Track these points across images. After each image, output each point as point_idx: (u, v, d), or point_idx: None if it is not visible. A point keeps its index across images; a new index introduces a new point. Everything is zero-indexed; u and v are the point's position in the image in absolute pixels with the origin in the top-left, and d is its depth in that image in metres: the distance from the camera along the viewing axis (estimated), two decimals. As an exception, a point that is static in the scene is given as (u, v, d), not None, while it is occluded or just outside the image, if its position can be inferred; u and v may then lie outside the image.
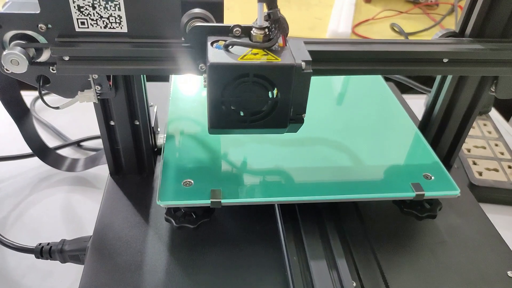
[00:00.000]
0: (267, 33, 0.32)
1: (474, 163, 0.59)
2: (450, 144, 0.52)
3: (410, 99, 0.68)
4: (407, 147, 0.48)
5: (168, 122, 0.48)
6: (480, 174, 0.58)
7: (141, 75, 0.40)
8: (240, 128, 0.34)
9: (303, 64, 0.31)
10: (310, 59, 0.32)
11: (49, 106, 0.38)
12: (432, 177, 0.42)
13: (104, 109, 0.42)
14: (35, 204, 0.54)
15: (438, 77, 0.49)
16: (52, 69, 0.35)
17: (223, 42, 0.32)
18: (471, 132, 0.66)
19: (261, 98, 0.32)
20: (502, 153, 0.62)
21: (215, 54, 0.31)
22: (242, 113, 0.33)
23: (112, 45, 0.34)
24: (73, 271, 0.45)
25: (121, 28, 0.34)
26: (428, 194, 0.40)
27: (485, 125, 0.68)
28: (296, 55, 0.32)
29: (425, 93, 0.71)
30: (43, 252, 0.42)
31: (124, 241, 0.41)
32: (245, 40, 0.32)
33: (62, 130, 0.65)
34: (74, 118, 0.67)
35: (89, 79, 0.37)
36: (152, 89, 0.52)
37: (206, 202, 0.38)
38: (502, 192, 0.56)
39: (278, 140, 0.46)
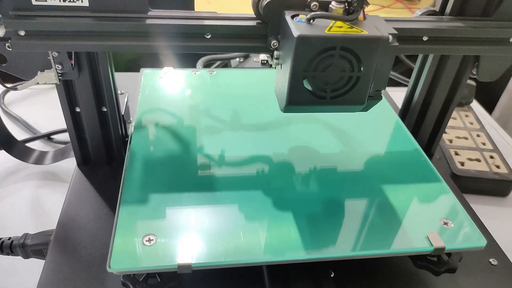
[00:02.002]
0: (347, 7, 0.31)
1: (456, 154, 0.58)
2: (431, 133, 0.51)
3: (392, 91, 0.67)
4: (420, 186, 0.39)
5: (131, 140, 0.42)
6: (462, 164, 0.57)
7: (106, 55, 0.38)
8: (319, 105, 0.32)
9: (390, 37, 0.30)
10: (396, 32, 0.31)
11: (5, 86, 0.35)
12: (452, 224, 0.34)
13: (68, 94, 0.40)
14: (1, 199, 0.51)
15: (418, 62, 0.47)
16: (8, 46, 0.33)
17: (304, 16, 0.30)
18: (453, 123, 0.65)
19: (344, 73, 0.31)
20: (484, 144, 0.61)
21: (300, 27, 0.29)
22: (323, 89, 0.31)
23: (71, 19, 0.32)
24: (39, 268, 0.42)
25: (81, 1, 0.32)
26: (450, 247, 0.33)
27: (466, 116, 0.67)
28: (380, 28, 0.31)
29: (406, 85, 0.70)
30: (4, 247, 0.40)
31: (90, 234, 0.38)
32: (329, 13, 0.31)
33: (33, 124, 0.62)
34: (45, 111, 0.64)
35: (49, 58, 0.35)
36: (125, 79, 0.50)
37: (171, 266, 0.30)
38: (484, 182, 0.55)
39: (265, 178, 0.39)
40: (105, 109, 0.41)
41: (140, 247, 0.30)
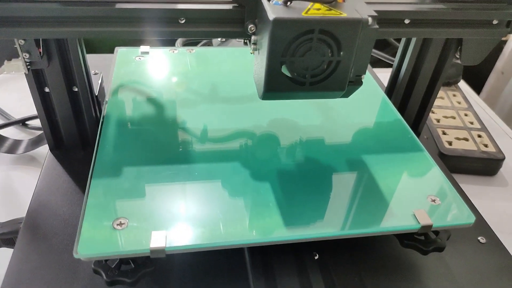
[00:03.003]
0: None
1: (444, 133, 0.57)
2: (417, 111, 0.50)
3: (380, 72, 0.65)
4: (406, 162, 0.37)
5: (104, 118, 0.40)
6: (450, 143, 0.55)
7: (77, 41, 0.36)
8: (298, 91, 0.31)
9: (370, 19, 0.29)
10: (376, 14, 0.29)
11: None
12: (440, 201, 0.33)
13: (36, 74, 0.37)
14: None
15: (401, 44, 0.46)
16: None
17: None
18: (440, 102, 0.64)
19: (323, 57, 0.30)
20: (472, 123, 0.60)
21: (276, 10, 0.28)
22: (302, 75, 0.30)
23: (37, 4, 0.29)
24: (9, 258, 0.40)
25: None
26: (438, 224, 0.31)
27: (454, 95, 0.66)
28: (360, 10, 0.29)
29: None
30: (-28, 236, 0.37)
31: (62, 220, 0.36)
32: None
33: (6, 110, 0.59)
34: (20, 96, 0.62)
35: (16, 46, 0.33)
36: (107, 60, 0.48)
37: (143, 250, 0.28)
38: (472, 161, 0.54)
39: (244, 154, 0.37)
40: (76, 89, 0.39)
41: (110, 231, 0.28)
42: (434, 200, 0.33)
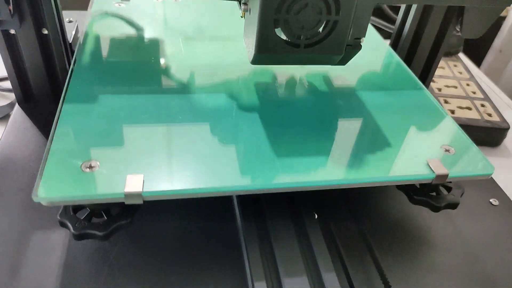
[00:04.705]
0: None
1: (446, 102, 0.54)
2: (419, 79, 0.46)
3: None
4: (416, 112, 0.33)
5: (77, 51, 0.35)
6: (453, 112, 0.52)
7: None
8: (292, 54, 0.29)
9: None
10: None
11: None
12: (454, 151, 0.29)
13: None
14: None
15: (400, 14, 0.44)
16: None
17: None
18: (441, 72, 0.61)
19: (320, 15, 0.27)
20: (474, 92, 0.57)
21: None
22: (296, 35, 0.28)
23: None
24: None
25: None
26: (454, 175, 0.27)
27: (455, 66, 0.63)
28: None
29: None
30: None
31: (30, 175, 0.32)
32: None
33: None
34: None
35: None
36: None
37: (116, 195, 0.23)
38: (475, 130, 0.51)
39: (232, 89, 0.33)
40: (45, 32, 0.35)
41: (78, 173, 0.24)
42: (448, 150, 0.29)
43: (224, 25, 0.42)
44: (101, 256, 0.28)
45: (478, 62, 0.88)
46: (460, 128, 0.31)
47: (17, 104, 0.39)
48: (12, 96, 0.50)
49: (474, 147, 0.30)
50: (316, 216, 0.31)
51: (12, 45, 0.35)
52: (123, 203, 0.26)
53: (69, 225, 0.25)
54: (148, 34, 0.39)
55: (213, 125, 0.29)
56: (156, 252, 0.28)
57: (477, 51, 0.87)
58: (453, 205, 0.29)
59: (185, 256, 0.28)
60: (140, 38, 0.38)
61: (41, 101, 0.39)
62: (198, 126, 0.29)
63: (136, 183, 0.24)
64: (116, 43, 0.36)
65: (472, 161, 0.28)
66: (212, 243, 0.29)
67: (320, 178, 0.26)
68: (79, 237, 0.25)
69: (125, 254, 0.28)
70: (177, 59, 0.36)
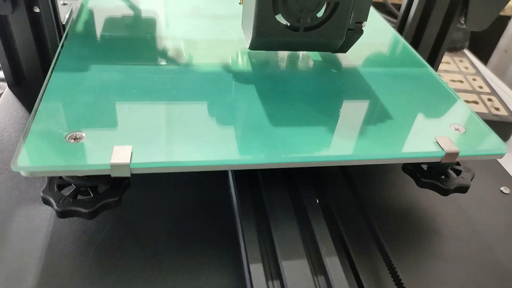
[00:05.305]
0: None
1: (452, 95, 0.52)
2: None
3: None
4: (421, 91, 0.31)
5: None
6: (459, 106, 0.51)
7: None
8: (291, 38, 0.28)
9: None
10: None
11: None
12: (464, 130, 0.27)
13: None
14: None
15: (403, 5, 0.43)
16: None
17: None
18: (447, 67, 0.59)
19: None
20: (481, 87, 0.56)
21: None
22: (295, 18, 0.28)
23: None
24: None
25: None
26: (465, 154, 0.25)
27: (461, 61, 0.62)
28: None
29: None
30: None
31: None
32: None
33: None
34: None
35: None
36: None
37: (102, 166, 0.22)
38: (483, 124, 0.49)
39: (233, 66, 0.31)
40: (37, 10, 0.33)
41: (62, 143, 0.22)
42: (458, 129, 0.27)
43: (223, 6, 0.41)
44: (87, 239, 0.26)
45: (483, 62, 0.87)
46: (469, 108, 0.30)
47: (7, 88, 0.37)
48: (4, 86, 0.49)
49: (485, 126, 0.28)
50: (317, 201, 0.29)
51: (3, 25, 0.34)
52: (111, 180, 0.24)
53: (52, 201, 0.23)
54: (144, 12, 0.37)
55: (208, 100, 0.27)
56: (146, 235, 0.26)
57: (482, 51, 0.85)
58: (463, 189, 0.27)
59: (178, 240, 0.26)
60: (137, 16, 0.37)
61: (31, 85, 0.37)
62: (193, 101, 0.27)
63: (123, 154, 0.22)
64: (111, 20, 0.35)
65: (484, 140, 0.26)
66: (206, 225, 0.27)
67: (321, 154, 0.24)
68: (62, 214, 0.23)
69: (113, 237, 0.26)
70: (173, 36, 0.34)
